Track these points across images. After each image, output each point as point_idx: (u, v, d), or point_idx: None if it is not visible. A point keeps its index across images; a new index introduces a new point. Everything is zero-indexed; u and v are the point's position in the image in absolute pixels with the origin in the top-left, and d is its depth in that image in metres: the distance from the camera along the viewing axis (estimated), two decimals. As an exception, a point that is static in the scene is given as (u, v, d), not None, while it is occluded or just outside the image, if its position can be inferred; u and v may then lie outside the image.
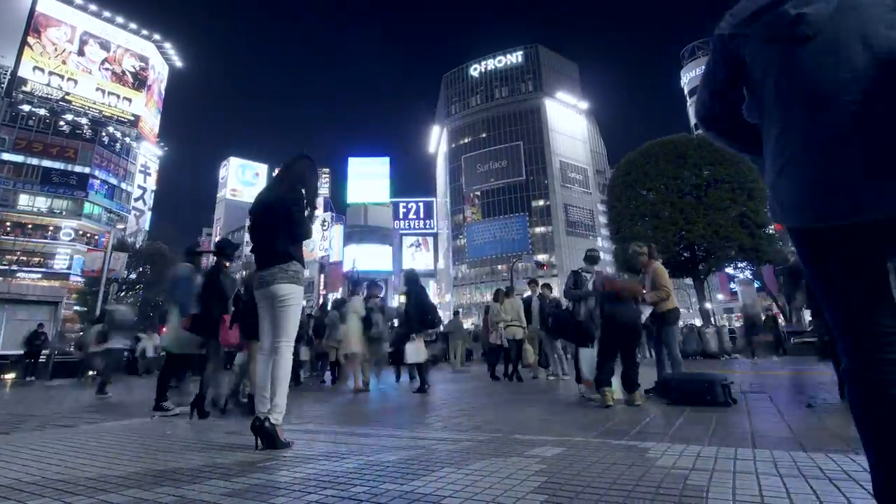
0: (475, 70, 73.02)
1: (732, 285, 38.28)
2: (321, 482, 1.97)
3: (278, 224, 3.00)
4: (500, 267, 59.59)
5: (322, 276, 61.59)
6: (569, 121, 69.90)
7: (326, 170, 78.92)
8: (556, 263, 58.95)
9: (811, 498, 1.62)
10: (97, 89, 50.64)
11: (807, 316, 35.74)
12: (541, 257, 56.42)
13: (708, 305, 21.76)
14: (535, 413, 4.34)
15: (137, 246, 35.69)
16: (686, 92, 54.34)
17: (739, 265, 23.86)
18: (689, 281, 24.95)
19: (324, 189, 76.21)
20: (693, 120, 51.84)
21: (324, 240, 64.48)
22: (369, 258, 58.62)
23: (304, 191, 3.13)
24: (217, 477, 2.09)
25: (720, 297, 42.88)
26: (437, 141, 78.96)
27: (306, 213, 3.08)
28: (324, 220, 65.60)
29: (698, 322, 20.34)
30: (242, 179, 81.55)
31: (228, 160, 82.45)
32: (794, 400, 4.58)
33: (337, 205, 73.94)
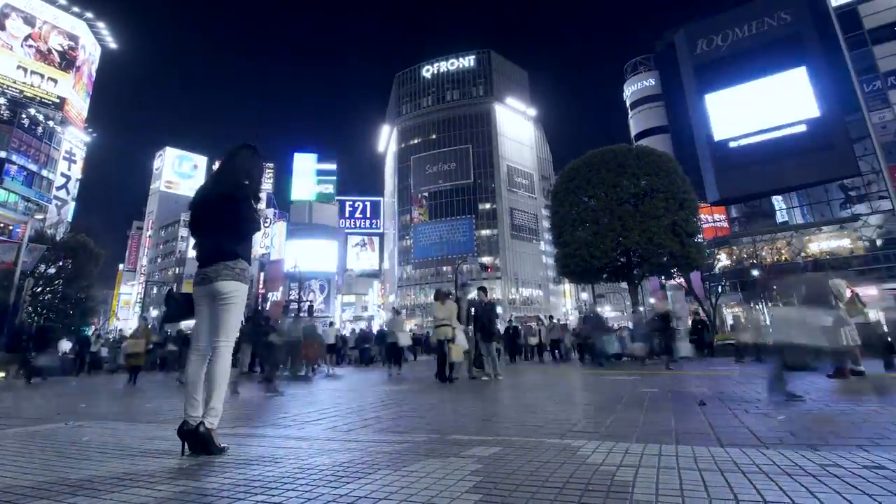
0: (427, 71, 73.12)
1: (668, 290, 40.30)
2: (251, 488, 1.90)
3: (224, 220, 2.84)
4: (445, 268, 59.92)
5: (262, 274, 59.59)
6: (517, 126, 71.36)
7: (271, 165, 76.28)
8: (500, 266, 60.04)
9: (726, 490, 1.73)
10: (18, 67, 46.44)
11: (729, 320, 38.20)
12: (485, 260, 57.29)
13: (641, 308, 22.79)
14: (474, 413, 4.38)
15: (58, 238, 32.96)
16: (628, 105, 56.73)
17: (671, 271, 25.17)
18: (624, 285, 26.03)
19: (267, 185, 73.83)
20: (635, 130, 54.58)
21: (265, 237, 62.42)
22: (312, 257, 57.32)
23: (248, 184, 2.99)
24: (139, 485, 1.97)
25: (652, 300, 45.02)
26: (387, 140, 78.42)
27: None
28: (266, 217, 63.53)
29: (631, 325, 21.27)
30: (179, 171, 77.51)
31: (164, 150, 78.12)
32: (715, 399, 4.87)
33: (280, 201, 71.89)
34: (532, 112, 74.49)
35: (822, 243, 38.00)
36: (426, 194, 66.62)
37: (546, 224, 54.13)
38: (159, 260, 74.45)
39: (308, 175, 69.48)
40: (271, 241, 62.64)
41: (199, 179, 76.53)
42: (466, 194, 64.82)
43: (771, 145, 38.11)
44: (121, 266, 76.53)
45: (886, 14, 35.99)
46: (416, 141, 70.80)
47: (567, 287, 66.26)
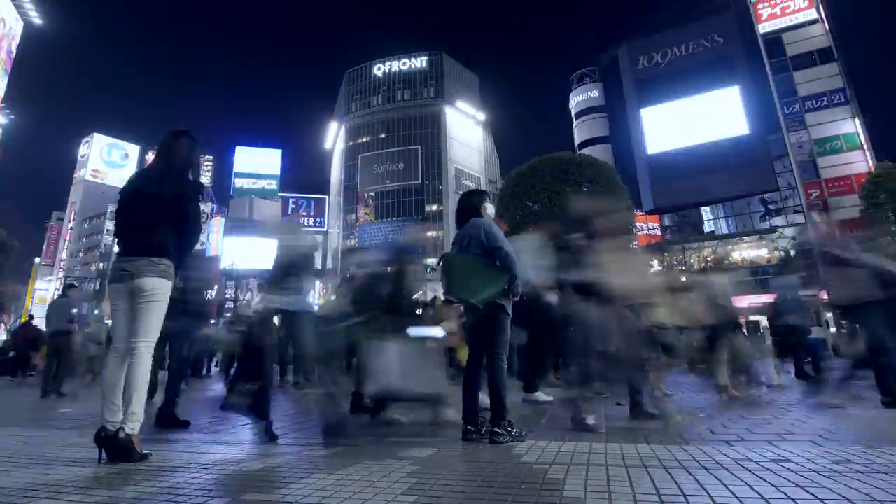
0: (379, 70, 72.48)
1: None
2: (174, 496, 1.80)
3: (163, 215, 2.63)
4: (389, 269, 59.53)
5: (197, 271, 56.76)
6: (467, 130, 72.06)
7: (210, 158, 72.94)
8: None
9: (649, 485, 1.82)
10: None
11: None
12: (430, 261, 57.40)
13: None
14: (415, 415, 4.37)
15: (-35, 228, 29.96)
16: (573, 114, 58.73)
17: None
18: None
19: (206, 178, 70.52)
20: (578, 139, 56.53)
21: (202, 233, 59.50)
22: (252, 255, 55.12)
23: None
24: (48, 495, 1.82)
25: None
26: (335, 137, 76.98)
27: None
28: (203, 212, 60.63)
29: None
30: (108, 160, 72.47)
31: (91, 137, 72.77)
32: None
33: (219, 195, 68.87)
34: (482, 116, 75.49)
35: (744, 252, 40.92)
36: (373, 194, 65.96)
37: (491, 227, 54.83)
38: (81, 254, 69.28)
39: (250, 169, 66.97)
40: (208, 237, 59.82)
41: (131, 169, 71.99)
42: (414, 195, 64.73)
43: (702, 159, 40.52)
44: (37, 260, 70.63)
45: (807, 42, 39.36)
46: (364, 139, 69.95)
47: (510, 290, 67.37)
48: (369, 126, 70.18)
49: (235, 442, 3.05)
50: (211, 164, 72.85)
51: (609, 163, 29.93)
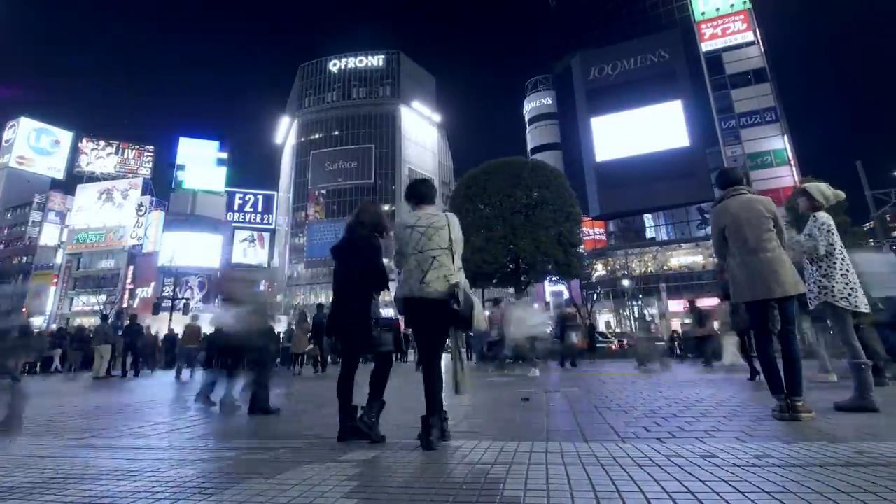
0: (335, 66, 71.21)
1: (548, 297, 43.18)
2: (96, 506, 1.69)
3: None
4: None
5: (131, 268, 53.91)
6: (422, 131, 71.99)
7: (151, 148, 68.96)
8: (393, 269, 59.91)
9: (586, 482, 1.88)
10: None
11: (601, 325, 41.73)
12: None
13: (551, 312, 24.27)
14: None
15: None
16: (527, 120, 59.91)
17: (553, 278, 26.91)
18: (511, 290, 27.24)
19: (145, 169, 66.92)
20: (531, 144, 57.66)
21: (139, 227, 56.39)
22: (193, 252, 52.64)
23: None
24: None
25: (535, 306, 47.84)
26: (286, 132, 74.97)
27: None
28: (140, 204, 57.54)
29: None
30: (36, 146, 67.04)
31: (18, 121, 67.10)
32: (584, 398, 5.28)
33: (159, 188, 65.50)
34: (437, 118, 75.66)
35: (681, 258, 43.16)
36: (324, 192, 64.70)
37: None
38: (1, 247, 63.98)
39: (194, 162, 63.92)
40: (145, 231, 56.74)
41: (62, 156, 67.36)
42: (366, 194, 63.92)
43: (646, 169, 42.45)
44: (-52, 252, 64.60)
45: (744, 63, 42.10)
46: (317, 136, 68.53)
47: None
48: (323, 122, 68.87)
49: (168, 447, 2.90)
50: (152, 154, 68.97)
51: (559, 169, 30.76)
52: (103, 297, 51.41)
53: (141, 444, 3.01)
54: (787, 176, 38.23)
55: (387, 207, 63.91)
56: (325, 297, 51.11)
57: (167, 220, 57.21)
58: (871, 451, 2.21)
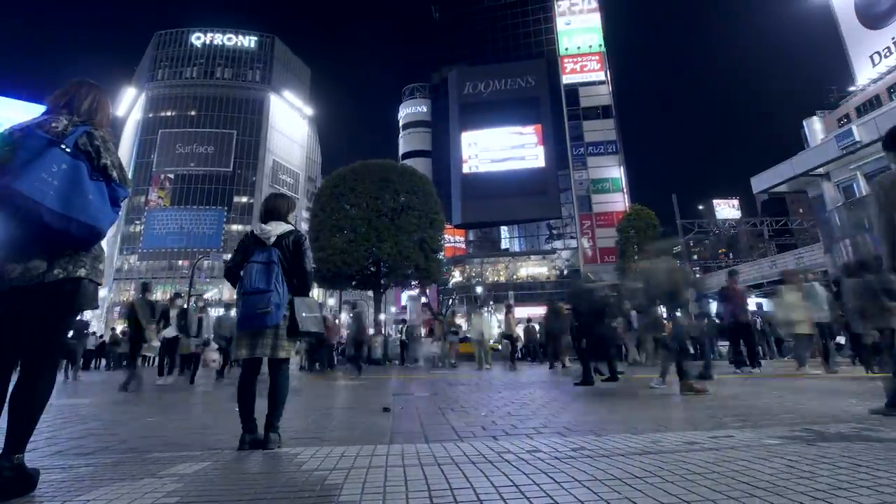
0: (198, 39, 64.48)
1: (403, 300, 44.20)
2: None
3: None
4: (181, 262, 53.12)
5: None
6: (291, 122, 68.56)
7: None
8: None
9: (422, 482, 1.92)
10: None
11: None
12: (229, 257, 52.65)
13: (382, 316, 24.26)
14: (188, 425, 3.93)
15: None
16: (401, 125, 60.39)
17: (413, 283, 27.46)
18: (370, 293, 27.08)
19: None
20: (403, 149, 58.21)
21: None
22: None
23: None
24: None
25: (393, 309, 48.53)
26: (131, 104, 65.94)
27: None
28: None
29: (371, 331, 22.40)
30: None
31: None
32: (430, 400, 5.44)
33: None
34: (309, 111, 72.72)
35: (530, 269, 47.34)
36: (171, 176, 58.18)
37: (305, 226, 53.00)
38: None
39: (5, 125, 52.54)
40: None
41: None
42: (222, 183, 58.94)
43: (506, 184, 45.92)
44: None
45: (595, 98, 47.57)
46: (169, 113, 61.41)
47: (316, 292, 65.86)
48: (178, 99, 62.05)
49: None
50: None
51: (428, 176, 31.53)
52: None
53: None
54: (619, 202, 43.97)
55: (245, 199, 59.59)
56: (160, 293, 45.71)
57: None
58: (662, 441, 2.62)
